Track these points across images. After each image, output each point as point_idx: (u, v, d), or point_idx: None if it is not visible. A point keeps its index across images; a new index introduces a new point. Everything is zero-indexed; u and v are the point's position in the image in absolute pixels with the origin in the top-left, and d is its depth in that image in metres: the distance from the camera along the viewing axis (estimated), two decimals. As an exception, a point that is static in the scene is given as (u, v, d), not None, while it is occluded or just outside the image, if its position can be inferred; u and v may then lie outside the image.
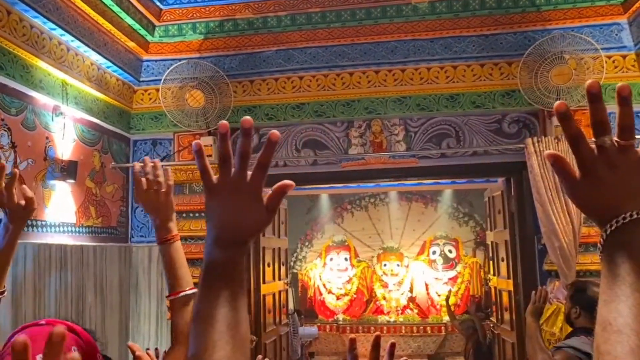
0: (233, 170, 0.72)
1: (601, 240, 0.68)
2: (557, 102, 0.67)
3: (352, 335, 1.09)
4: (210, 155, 4.55)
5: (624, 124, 0.66)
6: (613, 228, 0.66)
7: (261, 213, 0.72)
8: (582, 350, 2.56)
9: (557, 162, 0.69)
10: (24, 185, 1.38)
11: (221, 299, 0.72)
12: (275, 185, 0.72)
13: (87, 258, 4.06)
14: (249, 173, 0.72)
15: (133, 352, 1.35)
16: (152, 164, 1.40)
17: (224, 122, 0.71)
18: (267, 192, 0.72)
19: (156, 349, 1.59)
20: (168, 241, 1.38)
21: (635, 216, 0.65)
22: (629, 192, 0.67)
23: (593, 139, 0.68)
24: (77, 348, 1.03)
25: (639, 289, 0.63)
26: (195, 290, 1.35)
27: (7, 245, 1.32)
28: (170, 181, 1.41)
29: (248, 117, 0.70)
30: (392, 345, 1.04)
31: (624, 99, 0.66)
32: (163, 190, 1.39)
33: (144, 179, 1.37)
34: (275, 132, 0.71)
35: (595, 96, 0.66)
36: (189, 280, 1.41)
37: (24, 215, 1.34)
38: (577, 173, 0.68)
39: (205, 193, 0.74)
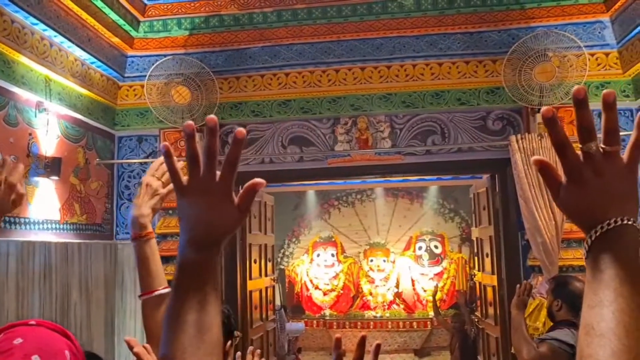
0: (201, 170, 0.71)
1: (586, 245, 0.68)
2: (544, 108, 0.66)
3: (338, 335, 1.11)
4: (196, 152, 4.53)
5: (610, 129, 0.66)
6: (598, 234, 0.66)
7: (233, 213, 0.71)
8: (565, 342, 2.63)
9: (544, 168, 0.69)
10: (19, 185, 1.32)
11: (193, 302, 0.71)
12: (246, 184, 0.71)
13: (71, 255, 4.03)
14: (218, 173, 0.71)
15: (131, 348, 1.31)
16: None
17: (190, 122, 0.70)
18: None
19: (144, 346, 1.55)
20: (143, 237, 1.34)
21: (619, 222, 0.66)
22: (613, 199, 0.67)
23: (579, 145, 0.68)
24: (70, 353, 1.03)
25: (623, 294, 0.64)
26: (169, 289, 1.33)
27: None
28: (170, 186, 1.35)
29: (212, 116, 0.69)
30: (378, 346, 1.06)
31: (609, 105, 0.66)
32: (163, 191, 1.36)
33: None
34: (241, 129, 0.70)
35: (581, 102, 0.66)
36: (162, 279, 1.36)
37: (6, 210, 1.29)
38: (563, 178, 0.69)
39: (176, 194, 0.73)
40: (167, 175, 1.34)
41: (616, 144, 0.66)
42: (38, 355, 0.95)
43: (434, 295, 7.86)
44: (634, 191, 0.68)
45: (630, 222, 0.66)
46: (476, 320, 5.83)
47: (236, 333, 1.89)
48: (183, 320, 0.71)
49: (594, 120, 0.66)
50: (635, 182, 0.68)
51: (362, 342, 1.03)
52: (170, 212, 4.56)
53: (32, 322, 1.05)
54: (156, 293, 1.32)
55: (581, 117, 0.66)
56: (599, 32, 4.35)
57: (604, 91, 0.66)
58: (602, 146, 0.66)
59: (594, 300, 0.66)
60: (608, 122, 0.66)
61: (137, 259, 1.35)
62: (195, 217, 0.71)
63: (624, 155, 0.67)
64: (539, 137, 4.06)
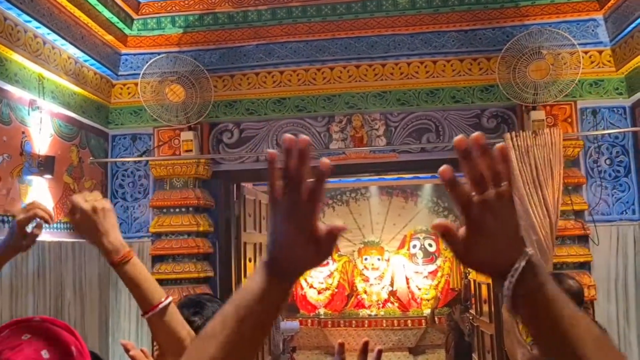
0: (297, 196, 0.66)
1: (508, 292, 0.66)
2: (442, 168, 0.63)
3: (341, 341, 1.10)
4: (191, 151, 4.52)
5: (494, 172, 0.64)
6: (514, 279, 0.65)
7: (311, 251, 0.67)
8: None
9: (446, 232, 0.67)
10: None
11: (236, 330, 0.67)
12: (329, 228, 0.67)
13: (65, 255, 4.00)
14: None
15: (127, 350, 1.28)
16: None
17: (327, 161, 0.64)
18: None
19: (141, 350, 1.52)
20: (125, 260, 1.26)
21: (526, 259, 0.65)
22: (512, 238, 0.66)
23: (474, 194, 0.65)
24: (75, 349, 1.03)
25: (571, 322, 0.65)
26: (170, 299, 1.30)
27: None
28: (93, 203, 1.23)
29: (326, 160, 0.64)
30: (379, 352, 1.04)
31: (483, 150, 0.63)
32: (108, 205, 1.26)
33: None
34: (325, 161, 0.64)
35: (465, 153, 0.63)
36: (160, 291, 1.31)
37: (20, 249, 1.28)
38: (462, 233, 0.67)
39: (269, 207, 0.69)
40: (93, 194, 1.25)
41: (503, 182, 0.64)
42: (47, 350, 0.95)
43: (432, 310, 7.89)
44: (518, 221, 0.67)
45: (530, 254, 0.66)
46: (471, 318, 5.85)
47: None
48: (215, 344, 0.67)
49: (480, 168, 0.64)
50: (517, 214, 0.67)
51: (365, 348, 1.02)
52: (165, 210, 4.54)
53: (37, 319, 1.04)
54: (160, 307, 1.28)
55: (469, 169, 0.64)
56: (593, 30, 4.36)
57: (474, 135, 0.63)
58: (496, 190, 0.64)
59: (553, 342, 0.66)
60: (491, 166, 0.64)
61: (126, 282, 1.28)
62: (278, 237, 0.67)
63: (508, 190, 0.66)
64: (533, 135, 4.08)
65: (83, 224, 1.21)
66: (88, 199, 1.22)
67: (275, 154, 0.67)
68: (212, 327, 0.68)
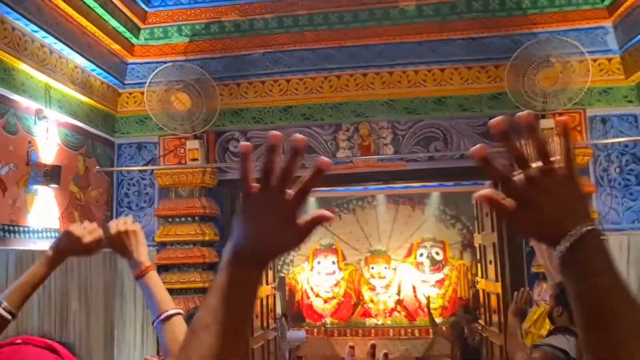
0: (273, 186, 0.67)
1: (558, 261, 0.68)
2: (475, 149, 0.66)
3: (351, 343, 1.12)
4: (197, 159, 4.50)
5: (538, 149, 0.67)
6: (567, 245, 0.66)
7: (292, 236, 0.68)
8: (560, 348, 2.59)
9: (492, 202, 0.69)
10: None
11: (215, 328, 0.68)
12: (315, 214, 0.68)
13: (71, 264, 3.98)
14: (290, 192, 0.68)
15: None
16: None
17: (276, 133, 0.66)
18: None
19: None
20: (143, 275, 1.43)
21: (580, 230, 0.66)
22: (565, 209, 0.67)
23: (519, 171, 0.68)
24: None
25: (605, 311, 0.65)
26: (178, 310, 1.42)
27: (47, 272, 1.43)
28: (128, 226, 1.45)
29: (300, 136, 0.66)
30: (386, 355, 1.06)
31: (529, 128, 0.66)
32: (133, 226, 1.46)
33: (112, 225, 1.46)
34: (324, 160, 0.68)
35: (503, 135, 0.65)
36: (170, 302, 1.45)
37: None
38: (511, 204, 0.68)
39: (242, 200, 0.69)
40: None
41: (550, 161, 0.67)
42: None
43: (427, 307, 7.83)
44: (581, 197, 0.69)
45: (590, 228, 0.66)
46: (480, 327, 5.78)
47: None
48: (200, 345, 0.69)
49: (520, 147, 0.67)
50: (579, 188, 0.69)
51: (373, 351, 1.04)
52: (170, 219, 4.52)
53: (18, 341, 1.02)
54: (164, 315, 1.40)
55: (510, 149, 0.67)
56: (602, 38, 4.33)
57: (520, 114, 0.66)
58: (540, 166, 0.67)
59: (586, 323, 0.66)
60: (535, 145, 0.67)
61: (143, 292, 1.46)
62: (252, 229, 0.68)
63: (561, 166, 0.68)
64: (543, 143, 4.03)
65: (115, 242, 1.43)
66: (120, 223, 1.44)
67: (250, 147, 0.68)
68: (203, 319, 0.69)
